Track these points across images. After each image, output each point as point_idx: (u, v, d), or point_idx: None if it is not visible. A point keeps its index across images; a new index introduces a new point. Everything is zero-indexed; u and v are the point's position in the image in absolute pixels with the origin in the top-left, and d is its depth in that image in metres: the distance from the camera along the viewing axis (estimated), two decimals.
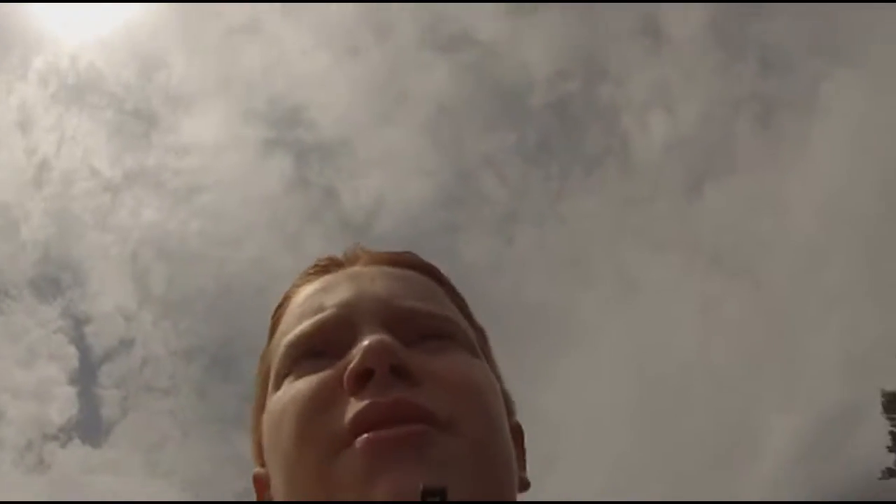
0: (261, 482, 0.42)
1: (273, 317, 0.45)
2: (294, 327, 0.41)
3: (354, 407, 0.36)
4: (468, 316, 0.44)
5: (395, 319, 0.39)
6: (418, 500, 0.32)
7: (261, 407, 0.42)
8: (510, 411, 0.43)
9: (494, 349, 0.45)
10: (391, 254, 0.45)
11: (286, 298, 0.45)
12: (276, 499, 0.39)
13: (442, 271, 0.46)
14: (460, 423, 0.36)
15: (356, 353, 0.37)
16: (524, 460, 0.43)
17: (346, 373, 0.37)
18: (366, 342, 0.37)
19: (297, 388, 0.39)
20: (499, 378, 0.43)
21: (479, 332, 0.44)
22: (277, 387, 0.40)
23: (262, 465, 0.42)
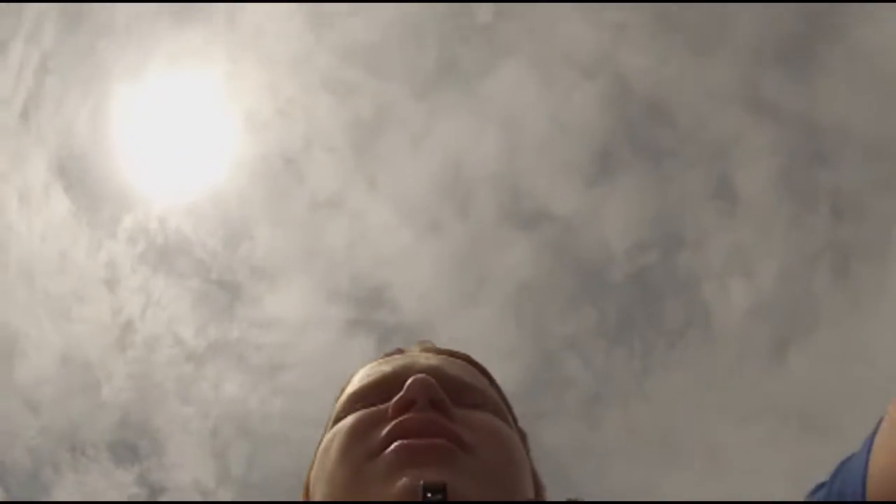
0: None
1: (341, 388, 0.49)
2: (355, 385, 0.46)
3: (391, 423, 0.40)
4: (511, 414, 0.47)
5: (442, 382, 0.43)
6: (420, 496, 0.35)
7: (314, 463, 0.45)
8: (538, 491, 0.45)
9: None
10: (449, 349, 0.50)
11: (353, 374, 0.49)
12: None
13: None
14: (481, 451, 0.40)
15: (403, 389, 0.41)
16: None
17: (392, 403, 0.41)
18: (411, 379, 0.41)
19: (347, 420, 0.43)
20: (534, 473, 0.45)
21: (520, 431, 0.47)
22: (333, 426, 0.44)
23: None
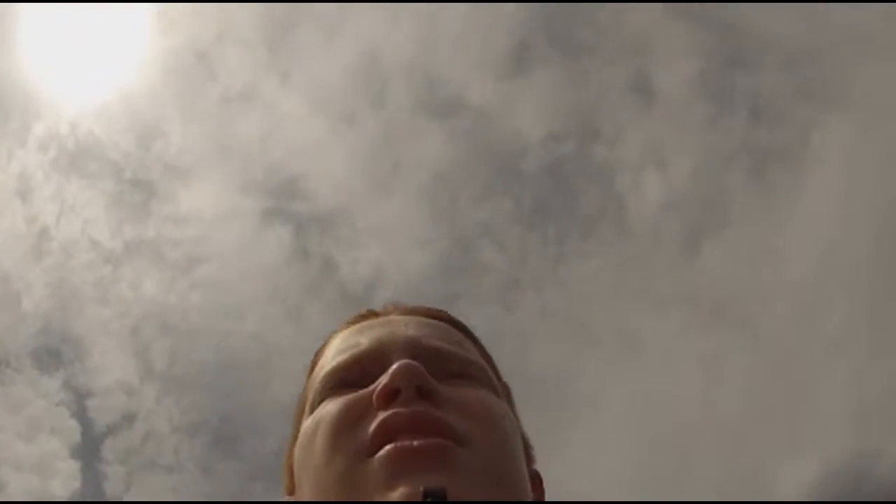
0: None
1: (312, 360, 0.48)
2: (331, 362, 0.44)
3: (379, 417, 0.39)
4: (494, 370, 0.47)
5: (424, 356, 0.41)
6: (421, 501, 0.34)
7: (294, 438, 0.44)
8: (529, 457, 0.45)
9: None
10: (424, 308, 0.49)
11: (325, 343, 0.48)
12: None
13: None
14: (476, 441, 0.38)
15: (386, 375, 0.40)
16: None
17: (376, 391, 0.39)
18: (395, 365, 0.40)
19: (328, 408, 0.41)
20: (520, 426, 0.45)
21: (504, 386, 0.47)
22: (311, 412, 0.43)
23: (291, 492, 0.44)
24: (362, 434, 0.39)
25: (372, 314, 0.48)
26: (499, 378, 0.46)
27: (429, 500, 0.34)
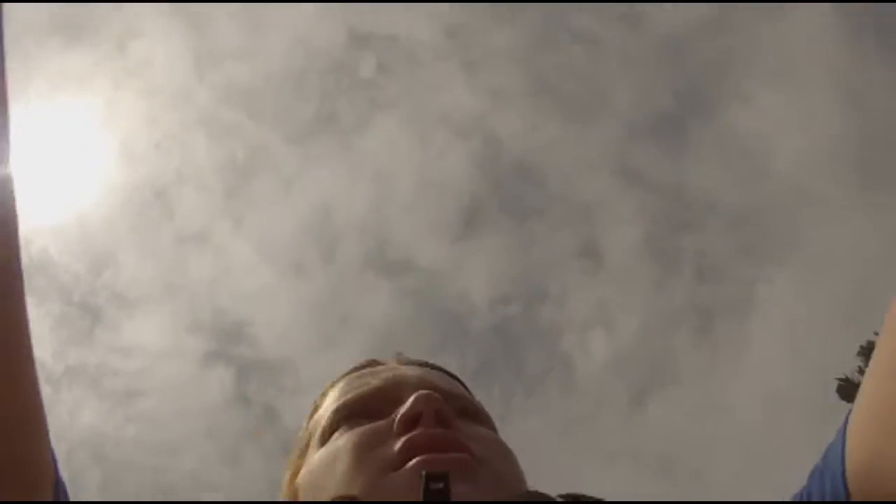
0: None
1: (312, 408, 0.49)
2: (340, 398, 0.46)
3: (403, 438, 0.40)
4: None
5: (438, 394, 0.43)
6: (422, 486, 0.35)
7: (293, 474, 0.45)
8: None
9: None
10: (423, 360, 0.50)
11: (323, 393, 0.49)
12: None
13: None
14: (491, 463, 0.41)
15: (406, 404, 0.41)
16: None
17: (398, 416, 0.41)
18: (415, 395, 0.42)
19: (347, 436, 0.42)
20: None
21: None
22: (324, 442, 0.44)
23: None
24: (387, 453, 0.40)
25: (375, 362, 0.50)
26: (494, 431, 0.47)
27: (431, 485, 0.35)
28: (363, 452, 0.40)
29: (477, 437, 0.42)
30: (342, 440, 0.42)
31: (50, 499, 0.33)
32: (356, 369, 0.49)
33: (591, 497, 0.39)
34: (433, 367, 0.49)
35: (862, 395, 0.33)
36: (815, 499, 0.35)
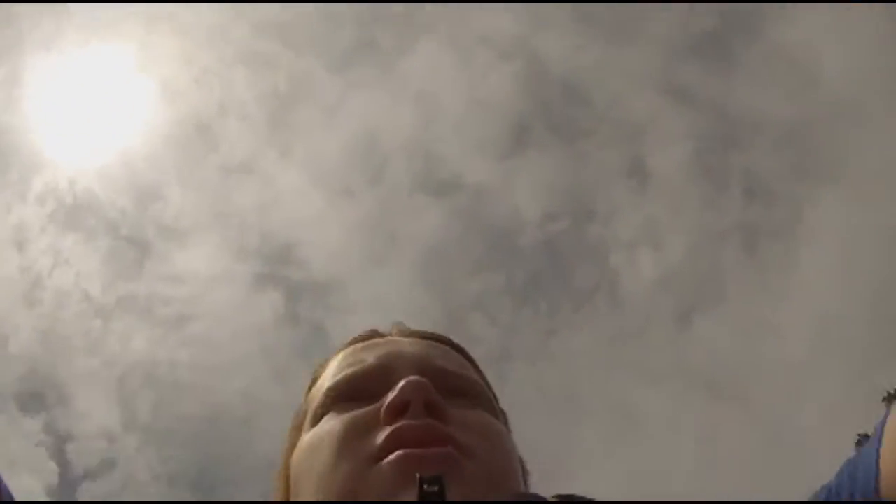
0: None
1: (313, 375, 0.48)
2: (334, 377, 0.45)
3: (389, 428, 0.39)
4: (493, 395, 0.48)
5: (429, 374, 0.42)
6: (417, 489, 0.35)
7: (291, 449, 0.45)
8: (525, 478, 0.45)
9: None
10: (427, 332, 0.49)
11: (326, 360, 0.48)
12: None
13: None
14: (479, 455, 0.40)
15: (395, 391, 0.40)
16: None
17: (385, 405, 0.40)
18: (404, 381, 0.41)
19: (334, 421, 0.42)
20: (520, 460, 0.45)
21: (502, 412, 0.47)
22: (315, 424, 0.43)
23: (286, 499, 0.45)
24: (370, 443, 0.39)
25: (376, 334, 0.49)
26: (496, 401, 0.47)
27: (426, 489, 0.35)
28: (347, 440, 0.40)
29: (466, 423, 0.41)
30: (328, 425, 0.42)
31: None
32: (356, 341, 0.48)
33: (583, 498, 0.39)
34: (438, 338, 0.48)
35: None
36: (843, 496, 0.35)
